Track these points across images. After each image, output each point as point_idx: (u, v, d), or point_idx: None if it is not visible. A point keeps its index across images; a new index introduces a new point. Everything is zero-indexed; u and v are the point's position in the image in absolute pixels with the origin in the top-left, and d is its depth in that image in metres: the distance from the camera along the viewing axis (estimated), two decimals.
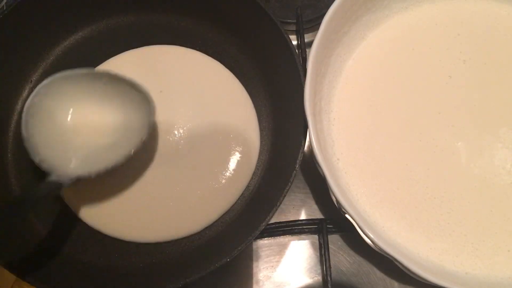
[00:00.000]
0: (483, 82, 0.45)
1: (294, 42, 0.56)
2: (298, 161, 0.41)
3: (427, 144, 0.43)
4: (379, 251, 0.38)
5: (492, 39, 0.46)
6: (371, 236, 0.37)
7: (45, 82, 0.42)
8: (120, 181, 0.47)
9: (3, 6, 0.54)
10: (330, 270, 0.45)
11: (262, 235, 0.49)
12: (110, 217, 0.46)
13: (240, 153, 0.48)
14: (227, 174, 0.48)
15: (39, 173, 0.48)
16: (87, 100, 0.44)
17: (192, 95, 0.50)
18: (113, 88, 0.44)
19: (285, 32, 0.45)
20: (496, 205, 0.41)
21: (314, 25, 0.57)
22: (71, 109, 0.44)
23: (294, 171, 0.41)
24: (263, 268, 0.49)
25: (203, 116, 0.49)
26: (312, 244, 0.50)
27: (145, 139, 0.43)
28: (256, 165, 0.49)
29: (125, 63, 0.51)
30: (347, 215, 0.39)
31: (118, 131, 0.44)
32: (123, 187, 0.47)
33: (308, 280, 0.49)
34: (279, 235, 0.50)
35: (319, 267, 0.49)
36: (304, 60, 0.51)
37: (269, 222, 0.40)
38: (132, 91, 0.43)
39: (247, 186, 0.48)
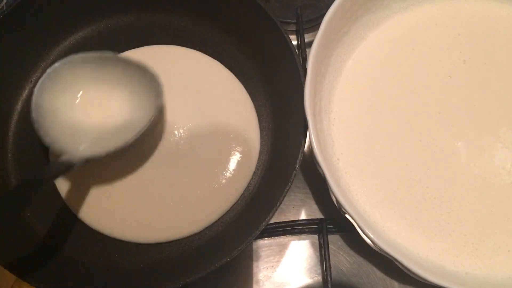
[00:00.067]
0: (483, 82, 0.45)
1: (294, 42, 0.56)
2: (298, 161, 0.41)
3: (427, 144, 0.43)
4: (379, 251, 0.38)
5: (492, 39, 0.46)
6: (371, 236, 0.37)
7: (54, 65, 0.42)
8: (120, 181, 0.47)
9: (3, 6, 0.54)
10: (330, 270, 0.45)
11: (262, 235, 0.49)
12: (110, 217, 0.46)
13: (240, 153, 0.48)
14: (227, 174, 0.48)
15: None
16: (96, 83, 0.45)
17: (192, 95, 0.50)
18: (121, 70, 0.44)
19: (285, 32, 0.45)
20: (496, 205, 0.41)
21: (314, 25, 0.57)
22: (81, 92, 0.44)
23: (294, 171, 0.41)
24: (263, 268, 0.49)
25: (203, 116, 0.49)
26: (312, 244, 0.50)
27: (154, 119, 0.44)
28: (256, 165, 0.49)
29: None
30: (347, 215, 0.39)
31: (127, 112, 0.45)
32: (123, 187, 0.47)
33: (308, 280, 0.49)
34: (279, 235, 0.50)
35: (319, 267, 0.49)
36: (304, 60, 0.51)
37: (269, 222, 0.40)
38: (140, 73, 0.44)
39: (247, 186, 0.48)
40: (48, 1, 0.48)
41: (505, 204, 0.41)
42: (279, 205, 0.40)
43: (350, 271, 0.49)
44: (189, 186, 0.47)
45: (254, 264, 0.49)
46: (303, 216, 0.51)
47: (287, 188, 0.41)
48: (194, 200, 0.47)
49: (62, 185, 0.47)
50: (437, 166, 0.43)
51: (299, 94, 0.42)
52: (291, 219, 0.50)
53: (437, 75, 0.45)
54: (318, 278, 0.49)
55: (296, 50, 0.47)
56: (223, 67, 0.51)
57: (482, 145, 0.43)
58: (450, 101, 0.44)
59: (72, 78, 0.43)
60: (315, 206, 0.52)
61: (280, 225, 0.49)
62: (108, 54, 0.44)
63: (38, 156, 0.48)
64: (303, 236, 0.51)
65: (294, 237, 0.50)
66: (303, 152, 0.42)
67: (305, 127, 0.41)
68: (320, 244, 0.49)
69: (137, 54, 0.52)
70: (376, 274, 0.49)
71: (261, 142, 0.49)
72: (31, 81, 0.51)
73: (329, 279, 0.45)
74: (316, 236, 0.50)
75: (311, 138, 0.39)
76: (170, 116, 0.49)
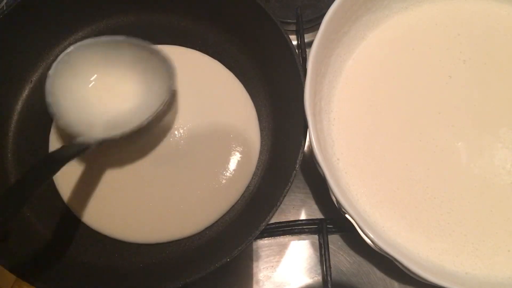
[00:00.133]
0: (483, 82, 0.45)
1: (294, 42, 0.56)
2: (298, 161, 0.41)
3: (427, 144, 0.43)
4: (379, 251, 0.38)
5: (492, 39, 0.46)
6: (371, 236, 0.37)
7: (68, 50, 0.43)
8: (120, 182, 0.47)
9: (3, 6, 0.54)
10: (330, 270, 0.45)
11: (262, 235, 0.49)
12: (110, 218, 0.46)
13: (240, 153, 0.48)
14: (227, 174, 0.48)
15: None
16: (109, 66, 0.45)
17: (192, 95, 0.50)
18: (133, 54, 0.45)
19: (285, 32, 0.45)
20: (496, 205, 0.41)
21: (314, 25, 0.57)
22: (94, 75, 0.45)
23: (294, 171, 0.41)
24: (263, 268, 0.49)
25: (203, 116, 0.49)
26: (312, 244, 0.50)
27: (167, 101, 0.44)
28: (256, 165, 0.49)
29: None
30: (347, 215, 0.39)
31: (140, 95, 0.46)
32: (123, 188, 0.47)
33: (308, 280, 0.49)
34: (279, 235, 0.50)
35: (319, 267, 0.49)
36: (304, 60, 0.51)
37: (269, 222, 0.40)
38: (153, 57, 0.44)
39: (247, 186, 0.48)
40: (48, 1, 0.48)
41: (505, 204, 0.41)
42: (279, 205, 0.40)
43: (350, 271, 0.49)
44: (189, 186, 0.47)
45: (254, 264, 0.49)
46: (303, 216, 0.51)
47: (287, 188, 0.41)
48: (194, 200, 0.47)
49: (62, 186, 0.47)
50: (437, 166, 0.43)
51: (299, 94, 0.42)
52: (291, 219, 0.50)
53: (437, 75, 0.45)
54: (318, 278, 0.49)
55: (296, 50, 0.47)
56: (223, 67, 0.51)
57: (482, 145, 0.43)
58: (450, 101, 0.44)
59: (85, 62, 0.44)
60: (315, 206, 0.52)
61: (280, 225, 0.49)
62: (119, 38, 0.44)
63: (38, 156, 0.48)
64: (303, 236, 0.51)
65: (294, 237, 0.50)
66: (303, 152, 0.42)
67: (305, 127, 0.41)
68: (320, 244, 0.49)
69: None
70: (376, 274, 0.49)
71: (261, 142, 0.49)
72: (31, 81, 0.51)
73: (329, 279, 0.45)
74: (316, 236, 0.50)
75: (311, 138, 0.39)
76: (170, 116, 0.49)
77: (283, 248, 0.50)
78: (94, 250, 0.46)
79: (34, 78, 0.51)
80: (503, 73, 0.45)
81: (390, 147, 0.44)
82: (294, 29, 0.57)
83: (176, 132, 0.49)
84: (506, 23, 0.47)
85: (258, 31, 0.49)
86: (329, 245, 0.47)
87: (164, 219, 0.46)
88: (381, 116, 0.45)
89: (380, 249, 0.37)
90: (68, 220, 0.47)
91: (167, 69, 0.44)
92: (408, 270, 0.36)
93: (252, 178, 0.48)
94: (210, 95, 0.50)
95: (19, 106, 0.50)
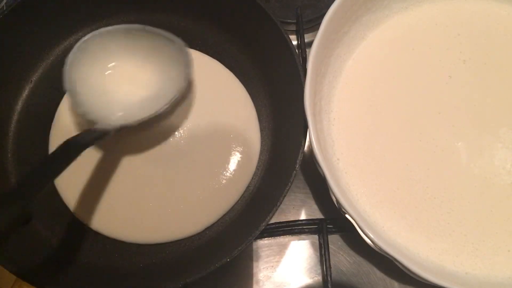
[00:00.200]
0: (483, 82, 0.45)
1: (294, 42, 0.56)
2: (298, 161, 0.41)
3: (427, 144, 0.43)
4: (379, 251, 0.38)
5: (492, 39, 0.46)
6: (371, 236, 0.37)
7: (84, 38, 0.43)
8: (120, 182, 0.47)
9: (3, 6, 0.54)
10: (330, 270, 0.45)
11: (262, 235, 0.49)
12: (110, 218, 0.46)
13: (240, 153, 0.48)
14: (228, 174, 0.48)
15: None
16: (126, 54, 0.46)
17: (192, 95, 0.50)
18: (150, 41, 0.45)
19: (285, 32, 0.45)
20: (496, 205, 0.41)
21: (314, 25, 0.57)
22: (111, 63, 0.46)
23: (294, 171, 0.41)
24: (263, 268, 0.49)
25: (203, 116, 0.49)
26: (312, 244, 0.50)
27: (183, 89, 0.45)
28: (256, 165, 0.49)
29: None
30: (347, 215, 0.39)
31: (157, 83, 0.46)
32: (123, 188, 0.47)
33: (308, 280, 0.49)
34: (279, 235, 0.50)
35: (319, 267, 0.49)
36: (304, 60, 0.51)
37: (269, 222, 0.40)
38: (170, 45, 0.45)
39: (247, 186, 0.48)
40: (48, 1, 0.48)
41: (505, 204, 0.41)
42: (279, 205, 0.40)
43: (350, 271, 0.49)
44: (189, 186, 0.47)
45: (254, 264, 0.49)
46: (303, 216, 0.51)
47: (287, 188, 0.41)
48: (194, 200, 0.47)
49: (62, 186, 0.47)
50: (437, 166, 0.43)
51: (299, 94, 0.42)
52: (291, 219, 0.50)
53: (437, 75, 0.45)
54: (318, 278, 0.49)
55: (296, 50, 0.47)
56: (223, 67, 0.51)
57: (482, 145, 0.43)
58: (450, 101, 0.44)
59: (102, 50, 0.45)
60: (315, 206, 0.52)
61: (280, 225, 0.49)
62: (137, 26, 0.45)
63: (38, 156, 0.48)
64: (303, 236, 0.51)
65: (294, 237, 0.50)
66: (303, 152, 0.42)
67: (305, 127, 0.41)
68: (320, 244, 0.49)
69: None
70: (376, 274, 0.49)
71: (261, 142, 0.49)
72: (31, 81, 0.51)
73: (329, 279, 0.45)
74: (316, 236, 0.50)
75: (311, 138, 0.39)
76: (173, 117, 0.49)
77: (283, 248, 0.50)
78: (94, 250, 0.46)
79: (34, 78, 0.51)
80: (503, 73, 0.45)
81: (390, 147, 0.44)
82: (294, 29, 0.57)
83: (176, 132, 0.49)
84: (506, 23, 0.47)
85: (258, 31, 0.49)
86: (329, 245, 0.47)
87: (164, 219, 0.46)
88: (381, 116, 0.45)
89: (380, 249, 0.37)
90: (68, 220, 0.47)
91: (183, 57, 0.45)
92: (408, 270, 0.36)
93: (252, 178, 0.48)
94: (210, 95, 0.50)
95: (19, 106, 0.50)
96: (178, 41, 0.44)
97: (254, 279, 0.49)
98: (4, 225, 0.29)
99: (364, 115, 0.45)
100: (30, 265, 0.42)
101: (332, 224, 0.49)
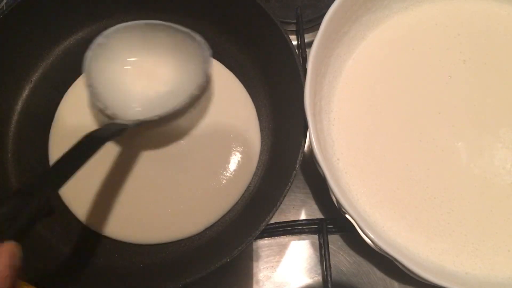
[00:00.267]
0: (483, 82, 0.45)
1: (294, 42, 0.56)
2: (298, 161, 0.41)
3: (427, 144, 0.43)
4: (379, 251, 0.38)
5: (492, 39, 0.46)
6: (371, 236, 0.37)
7: (103, 33, 0.44)
8: (120, 183, 0.47)
9: (3, 6, 0.54)
10: (330, 270, 0.45)
11: (262, 235, 0.49)
12: (110, 218, 0.46)
13: (240, 153, 0.48)
14: (228, 174, 0.48)
15: (39, 173, 0.48)
16: (145, 50, 0.46)
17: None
18: (169, 37, 0.45)
19: (285, 32, 0.45)
20: (496, 205, 0.41)
21: (314, 25, 0.57)
22: (130, 59, 0.46)
23: (294, 171, 0.41)
24: (263, 268, 0.49)
25: (203, 116, 0.49)
26: (312, 244, 0.50)
27: (202, 85, 0.45)
28: (256, 165, 0.49)
29: None
30: (347, 215, 0.39)
31: (176, 78, 0.46)
32: (123, 189, 0.47)
33: (308, 280, 0.49)
34: (279, 235, 0.50)
35: (319, 267, 0.49)
36: (304, 60, 0.51)
37: (269, 222, 0.40)
38: (189, 40, 0.45)
39: (247, 186, 0.48)
40: (48, 1, 0.48)
41: (505, 204, 0.41)
42: (279, 205, 0.40)
43: (350, 271, 0.49)
44: (189, 186, 0.47)
45: (254, 264, 0.49)
46: (303, 216, 0.51)
47: (287, 188, 0.41)
48: (194, 200, 0.47)
49: (62, 187, 0.47)
50: (437, 166, 0.43)
51: (299, 94, 0.42)
52: (291, 219, 0.50)
53: (437, 75, 0.45)
54: (318, 278, 0.49)
55: (296, 50, 0.47)
56: (223, 67, 0.51)
57: (482, 145, 0.43)
58: (450, 101, 0.44)
59: (121, 45, 0.45)
60: (315, 206, 0.52)
61: (280, 225, 0.49)
62: (156, 21, 0.45)
63: (38, 156, 0.48)
64: (303, 236, 0.51)
65: (294, 237, 0.50)
66: (303, 152, 0.42)
67: (305, 127, 0.41)
68: (320, 244, 0.49)
69: None
70: (376, 274, 0.49)
71: (261, 142, 0.49)
72: (31, 81, 0.51)
73: (329, 279, 0.45)
74: (316, 236, 0.50)
75: (311, 138, 0.39)
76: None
77: (283, 248, 0.50)
78: (94, 250, 0.46)
79: (34, 78, 0.51)
80: (503, 73, 0.45)
81: (390, 147, 0.44)
82: (294, 29, 0.57)
83: (176, 133, 0.49)
84: (506, 23, 0.47)
85: (258, 31, 0.49)
86: (329, 245, 0.47)
87: (164, 219, 0.46)
88: (381, 116, 0.45)
89: (380, 249, 0.37)
90: (67, 221, 0.47)
91: (202, 53, 0.45)
92: (408, 270, 0.36)
93: (252, 178, 0.48)
94: (210, 95, 0.50)
95: (19, 106, 0.50)
96: (198, 37, 0.45)
97: (254, 279, 0.49)
98: (30, 214, 0.29)
99: (364, 115, 0.45)
100: (29, 265, 0.42)
101: (332, 224, 0.49)
